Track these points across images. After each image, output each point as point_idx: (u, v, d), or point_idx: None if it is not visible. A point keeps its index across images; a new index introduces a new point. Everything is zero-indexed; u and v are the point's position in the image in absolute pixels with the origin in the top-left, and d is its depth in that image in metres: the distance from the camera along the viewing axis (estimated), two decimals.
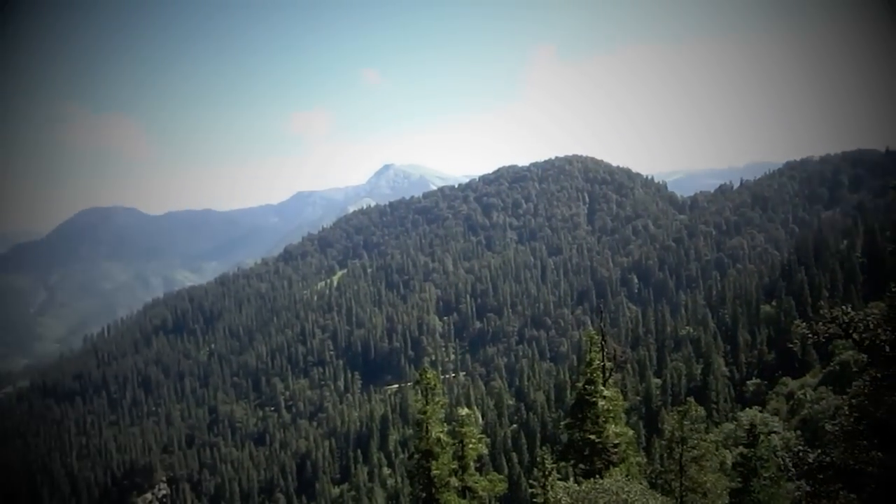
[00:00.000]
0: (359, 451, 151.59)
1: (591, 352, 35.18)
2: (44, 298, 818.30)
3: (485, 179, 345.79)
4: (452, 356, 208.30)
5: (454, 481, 34.89)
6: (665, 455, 36.04)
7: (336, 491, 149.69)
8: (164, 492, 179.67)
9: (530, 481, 41.12)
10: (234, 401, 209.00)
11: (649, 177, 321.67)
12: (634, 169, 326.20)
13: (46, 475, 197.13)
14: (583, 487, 27.10)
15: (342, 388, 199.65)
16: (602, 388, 34.06)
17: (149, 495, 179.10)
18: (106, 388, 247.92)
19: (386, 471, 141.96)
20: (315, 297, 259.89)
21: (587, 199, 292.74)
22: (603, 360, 35.23)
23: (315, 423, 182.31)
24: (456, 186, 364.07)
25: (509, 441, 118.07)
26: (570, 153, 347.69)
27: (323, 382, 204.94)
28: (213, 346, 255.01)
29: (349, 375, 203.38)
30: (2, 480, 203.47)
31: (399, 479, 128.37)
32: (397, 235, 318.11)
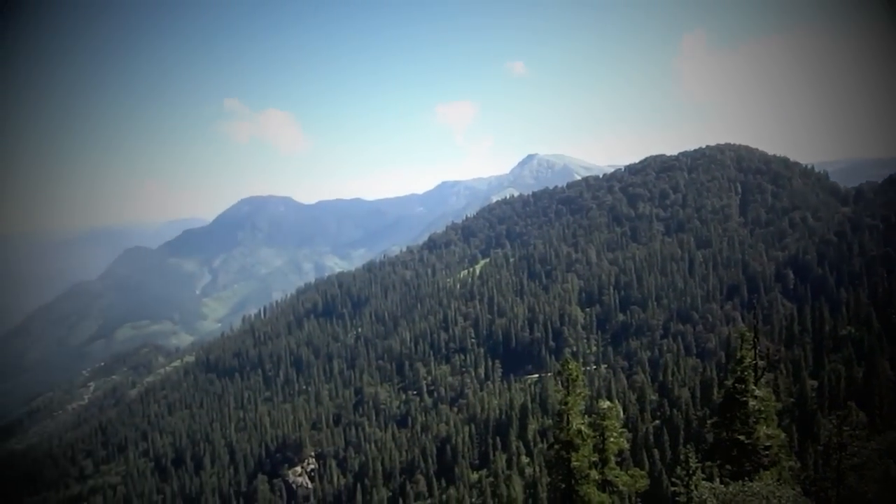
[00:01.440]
0: (497, 439, 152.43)
1: (741, 349, 33.74)
2: (208, 281, 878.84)
3: (631, 169, 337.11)
4: (594, 348, 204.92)
5: (594, 474, 34.62)
6: (821, 461, 34.02)
7: (475, 476, 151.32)
8: (312, 466, 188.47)
9: (672, 479, 40.06)
10: (379, 383, 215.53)
11: (808, 166, 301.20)
12: (792, 158, 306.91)
13: (208, 444, 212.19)
14: (730, 489, 26.19)
15: (483, 375, 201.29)
16: (753, 387, 32.63)
17: (298, 468, 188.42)
18: (261, 366, 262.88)
19: (524, 459, 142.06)
20: (458, 286, 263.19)
21: (740, 190, 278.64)
22: (755, 359, 33.69)
23: (455, 409, 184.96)
24: (601, 176, 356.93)
25: (651, 437, 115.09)
26: (721, 142, 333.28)
27: (464, 369, 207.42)
28: (359, 329, 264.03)
29: (490, 363, 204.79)
30: (171, 445, 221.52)
31: (537, 469, 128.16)
32: (540, 225, 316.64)
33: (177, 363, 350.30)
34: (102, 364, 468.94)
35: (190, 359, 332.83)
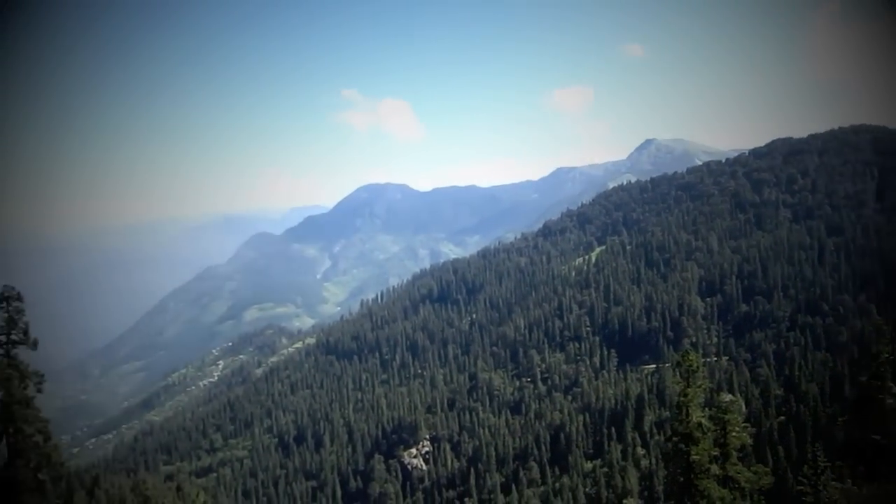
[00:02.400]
0: (612, 429, 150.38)
1: (878, 343, 31.85)
2: (328, 266, 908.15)
3: (755, 153, 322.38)
4: (714, 339, 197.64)
5: (714, 469, 33.67)
6: None
7: (588, 465, 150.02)
8: (426, 449, 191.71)
9: (799, 478, 38.28)
10: (493, 369, 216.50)
11: None
12: None
13: (328, 423, 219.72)
14: (864, 492, 24.92)
15: (597, 364, 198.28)
16: (891, 384, 30.76)
17: (413, 450, 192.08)
18: (379, 350, 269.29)
19: (640, 451, 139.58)
20: (573, 273, 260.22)
21: (876, 174, 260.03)
22: (893, 354, 31.71)
23: (570, 397, 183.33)
24: (723, 161, 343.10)
25: (775, 433, 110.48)
26: (856, 122, 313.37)
27: (578, 358, 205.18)
28: (474, 315, 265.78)
29: (605, 352, 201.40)
30: (293, 423, 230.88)
31: (653, 461, 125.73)
32: (658, 212, 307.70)
33: (299, 344, 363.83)
34: (230, 344, 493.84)
35: (311, 341, 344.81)
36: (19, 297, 42.19)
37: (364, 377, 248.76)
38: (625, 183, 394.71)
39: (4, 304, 41.47)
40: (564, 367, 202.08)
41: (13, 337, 41.91)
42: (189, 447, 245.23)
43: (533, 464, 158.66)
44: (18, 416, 40.83)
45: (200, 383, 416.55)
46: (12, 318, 41.63)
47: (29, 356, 43.55)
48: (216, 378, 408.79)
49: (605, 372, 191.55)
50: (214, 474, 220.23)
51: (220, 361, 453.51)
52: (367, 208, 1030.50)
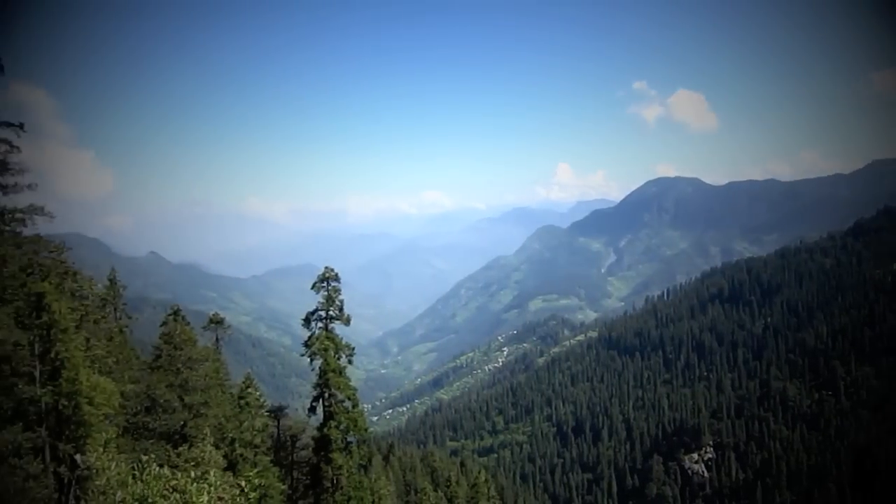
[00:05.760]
0: None
1: None
2: (613, 261, 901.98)
3: None
4: None
5: None
6: None
7: None
8: (709, 455, 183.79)
9: None
10: (788, 378, 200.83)
11: None
12: None
13: (607, 417, 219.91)
14: None
15: None
16: None
17: (695, 455, 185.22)
18: (662, 348, 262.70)
19: None
20: (889, 278, 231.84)
21: None
22: None
23: (879, 417, 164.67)
24: None
25: None
26: None
27: (893, 373, 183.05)
28: (768, 319, 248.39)
29: None
30: (571, 414, 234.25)
31: None
32: None
33: (581, 337, 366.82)
34: (515, 332, 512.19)
35: (593, 334, 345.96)
36: (337, 278, 48.76)
37: (646, 375, 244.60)
38: None
39: (325, 284, 48.17)
40: (875, 381, 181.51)
41: (331, 313, 48.61)
42: (473, 427, 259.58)
43: (830, 485, 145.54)
44: (333, 383, 47.30)
45: (486, 367, 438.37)
46: (331, 296, 48.32)
47: (342, 331, 50.19)
48: (500, 363, 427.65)
49: None
50: (495, 455, 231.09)
51: (505, 348, 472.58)
52: (656, 202, 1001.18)
